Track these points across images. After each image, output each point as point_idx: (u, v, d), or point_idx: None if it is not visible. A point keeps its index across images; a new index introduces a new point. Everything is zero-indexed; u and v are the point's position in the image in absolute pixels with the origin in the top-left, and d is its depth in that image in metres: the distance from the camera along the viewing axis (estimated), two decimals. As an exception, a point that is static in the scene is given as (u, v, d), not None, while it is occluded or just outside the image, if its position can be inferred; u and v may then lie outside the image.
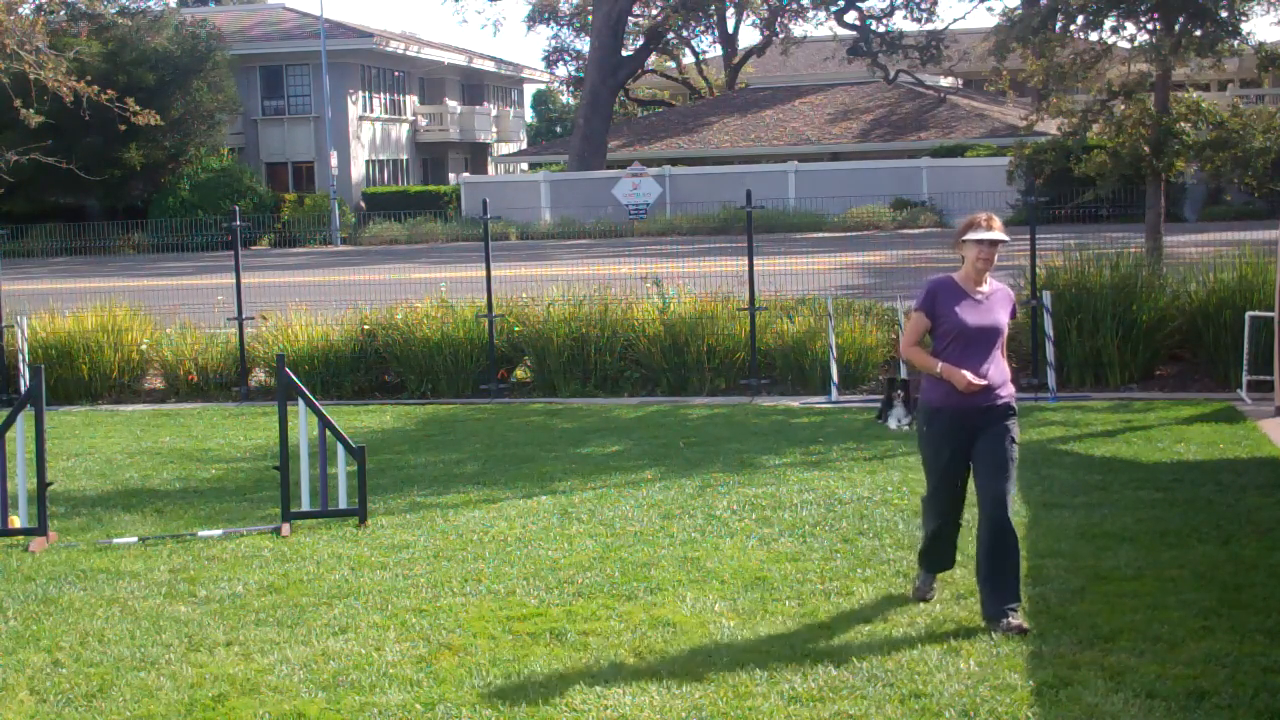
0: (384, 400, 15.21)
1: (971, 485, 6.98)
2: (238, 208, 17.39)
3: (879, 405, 12.88)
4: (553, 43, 65.51)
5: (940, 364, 6.81)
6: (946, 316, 6.85)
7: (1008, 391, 6.93)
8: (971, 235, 6.80)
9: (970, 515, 7.21)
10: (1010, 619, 6.56)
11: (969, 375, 6.73)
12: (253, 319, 16.02)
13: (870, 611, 6.97)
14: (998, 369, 6.88)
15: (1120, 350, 13.88)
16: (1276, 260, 13.11)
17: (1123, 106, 18.82)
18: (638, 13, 53.66)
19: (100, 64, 38.08)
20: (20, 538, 9.17)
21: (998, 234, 6.81)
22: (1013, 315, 7.02)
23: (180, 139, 44.20)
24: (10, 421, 9.30)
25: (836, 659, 6.32)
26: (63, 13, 28.29)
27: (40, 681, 6.46)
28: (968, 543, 8.17)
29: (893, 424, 12.34)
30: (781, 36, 53.57)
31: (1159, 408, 12.74)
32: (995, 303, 6.91)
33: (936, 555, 7.18)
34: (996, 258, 6.87)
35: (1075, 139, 19.25)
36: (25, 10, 18.29)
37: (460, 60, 58.91)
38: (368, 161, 52.38)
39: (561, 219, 39.18)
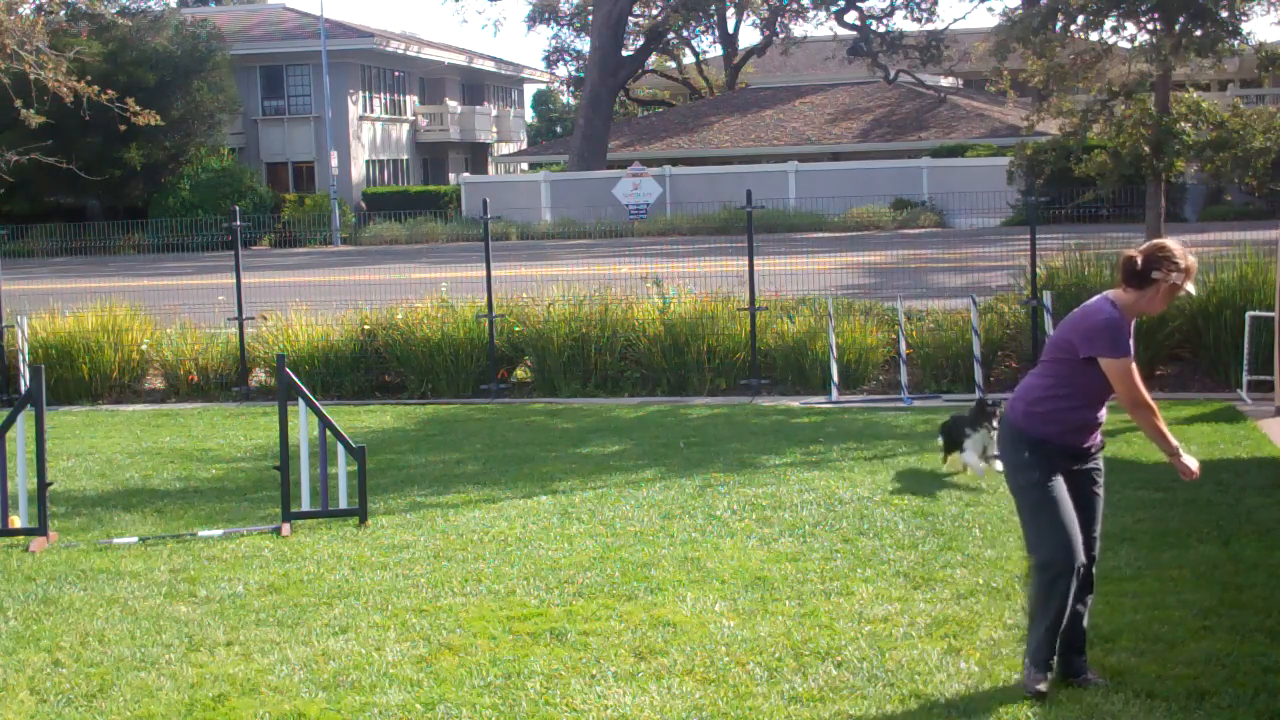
0: (384, 400, 15.21)
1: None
2: (238, 208, 17.39)
3: (944, 431, 10.31)
4: (553, 43, 65.64)
5: (1178, 449, 6.01)
6: None
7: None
8: (1179, 279, 5.96)
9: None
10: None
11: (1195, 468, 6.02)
12: (253, 319, 16.02)
13: (870, 611, 6.97)
14: None
15: (1120, 350, 13.85)
16: (1276, 260, 13.11)
17: (1123, 106, 18.83)
18: (638, 13, 53.67)
19: (100, 64, 37.99)
20: (20, 538, 9.17)
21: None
22: None
23: (180, 139, 44.19)
24: (10, 421, 9.30)
25: (836, 659, 6.32)
26: (63, 13, 28.29)
27: (40, 681, 6.46)
28: (968, 543, 8.17)
29: (972, 461, 9.81)
30: (782, 36, 53.61)
31: (1159, 408, 12.72)
32: None
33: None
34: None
35: (1075, 139, 19.27)
36: (25, 10, 18.28)
37: (460, 60, 58.91)
38: (368, 161, 52.38)
39: (562, 219, 39.17)
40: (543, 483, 10.43)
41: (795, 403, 13.98)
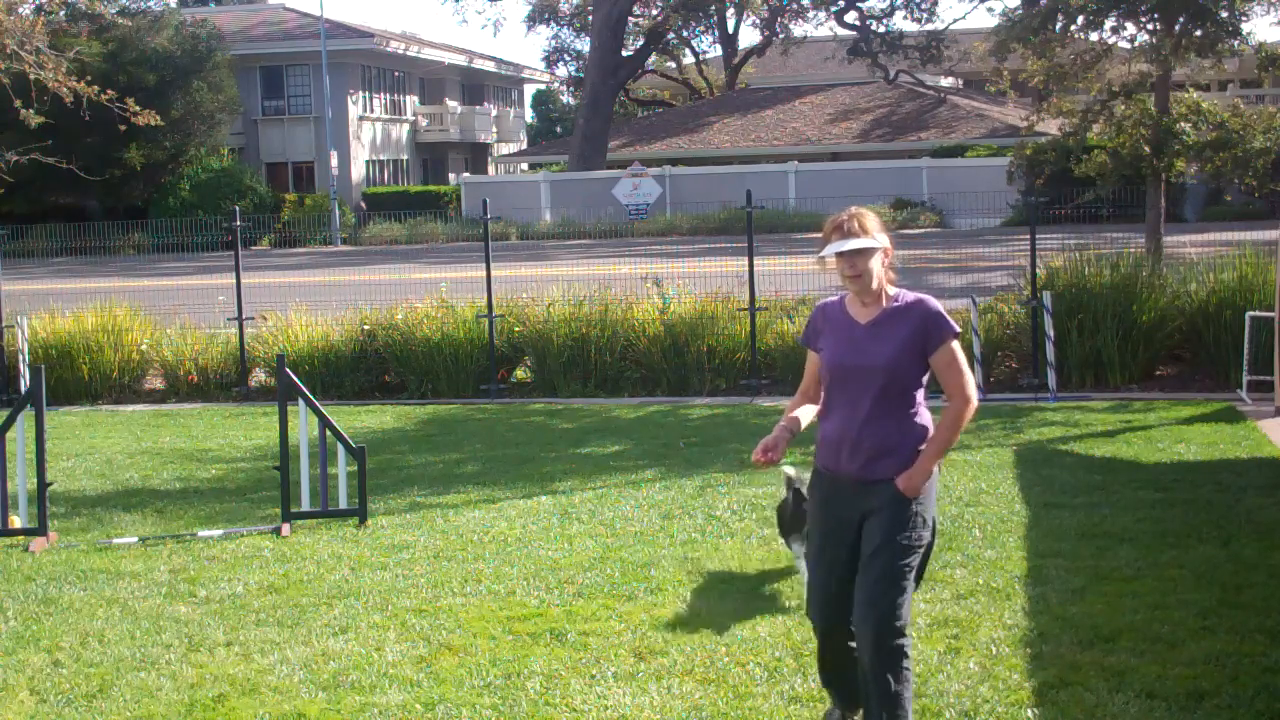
0: (384, 400, 15.21)
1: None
2: (238, 208, 17.38)
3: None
4: (553, 43, 65.56)
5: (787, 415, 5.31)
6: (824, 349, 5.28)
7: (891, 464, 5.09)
8: (828, 247, 5.11)
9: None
10: None
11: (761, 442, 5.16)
12: (253, 319, 16.02)
13: (870, 611, 6.96)
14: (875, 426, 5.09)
15: (1120, 350, 13.88)
16: (1276, 260, 13.11)
17: (1123, 106, 18.83)
18: (638, 13, 53.68)
19: (100, 64, 38.07)
20: (20, 538, 9.17)
21: (863, 241, 5.07)
22: (934, 340, 5.09)
23: (180, 139, 44.20)
24: (10, 421, 9.30)
25: (836, 659, 6.32)
26: (63, 13, 28.25)
27: (40, 681, 6.46)
28: (968, 543, 8.18)
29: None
30: (781, 36, 53.63)
31: (1159, 408, 12.74)
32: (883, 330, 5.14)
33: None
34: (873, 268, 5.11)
35: (1075, 139, 19.25)
36: (25, 10, 18.25)
37: (460, 60, 58.93)
38: (368, 161, 52.38)
39: (562, 219, 39.19)
40: (543, 483, 10.42)
41: (795, 403, 13.96)
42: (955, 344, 5.11)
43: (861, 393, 5.07)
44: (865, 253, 5.05)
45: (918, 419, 5.11)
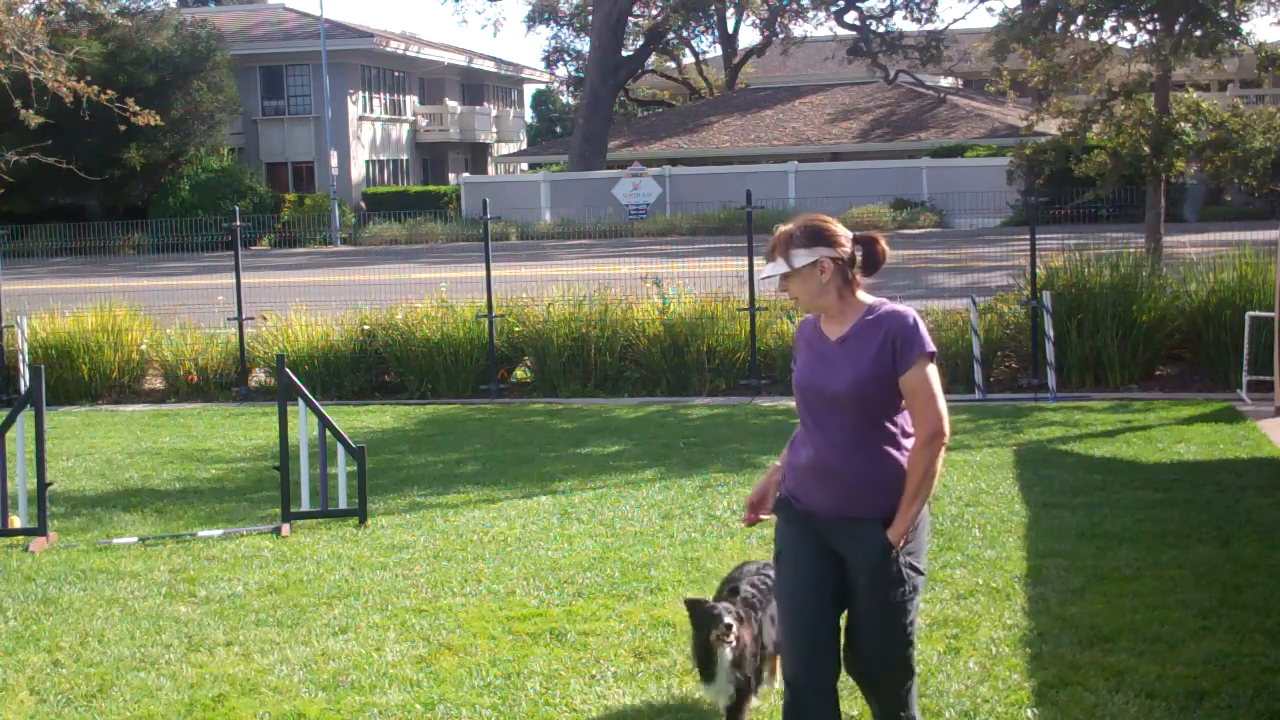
0: (384, 400, 15.21)
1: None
2: (238, 208, 17.39)
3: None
4: (553, 43, 65.53)
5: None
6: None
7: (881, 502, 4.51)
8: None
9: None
10: None
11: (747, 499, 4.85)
12: (253, 319, 16.02)
13: (870, 611, 6.96)
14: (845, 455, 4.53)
15: (1120, 350, 13.88)
16: (1276, 260, 13.11)
17: (1123, 106, 18.84)
18: (638, 13, 53.65)
19: (100, 64, 38.09)
20: (20, 538, 9.17)
21: (771, 267, 4.65)
22: (903, 359, 4.50)
23: (180, 139, 44.20)
24: (10, 421, 9.30)
25: (836, 659, 6.31)
26: (63, 13, 28.25)
27: (40, 681, 6.46)
28: (968, 543, 8.18)
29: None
30: (781, 36, 53.61)
31: (1159, 408, 12.74)
32: (851, 348, 4.57)
33: None
34: (807, 289, 4.64)
35: (1075, 139, 19.26)
36: (25, 10, 18.24)
37: (460, 60, 58.93)
38: (368, 161, 52.38)
39: (561, 219, 39.17)
40: (543, 483, 10.42)
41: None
42: (929, 366, 4.51)
43: (829, 418, 4.52)
44: (785, 277, 4.60)
45: (901, 451, 4.52)
